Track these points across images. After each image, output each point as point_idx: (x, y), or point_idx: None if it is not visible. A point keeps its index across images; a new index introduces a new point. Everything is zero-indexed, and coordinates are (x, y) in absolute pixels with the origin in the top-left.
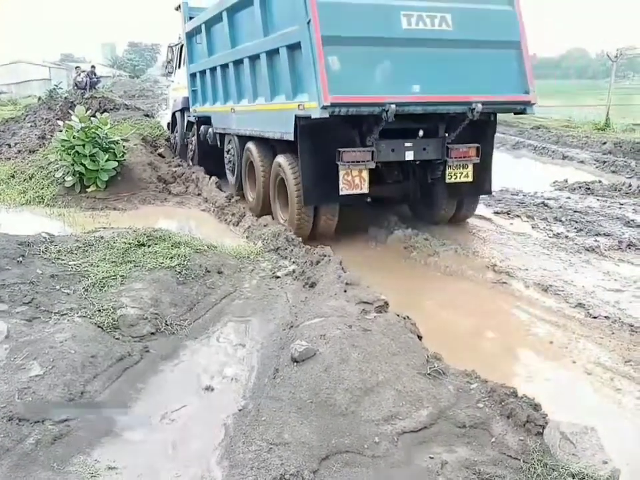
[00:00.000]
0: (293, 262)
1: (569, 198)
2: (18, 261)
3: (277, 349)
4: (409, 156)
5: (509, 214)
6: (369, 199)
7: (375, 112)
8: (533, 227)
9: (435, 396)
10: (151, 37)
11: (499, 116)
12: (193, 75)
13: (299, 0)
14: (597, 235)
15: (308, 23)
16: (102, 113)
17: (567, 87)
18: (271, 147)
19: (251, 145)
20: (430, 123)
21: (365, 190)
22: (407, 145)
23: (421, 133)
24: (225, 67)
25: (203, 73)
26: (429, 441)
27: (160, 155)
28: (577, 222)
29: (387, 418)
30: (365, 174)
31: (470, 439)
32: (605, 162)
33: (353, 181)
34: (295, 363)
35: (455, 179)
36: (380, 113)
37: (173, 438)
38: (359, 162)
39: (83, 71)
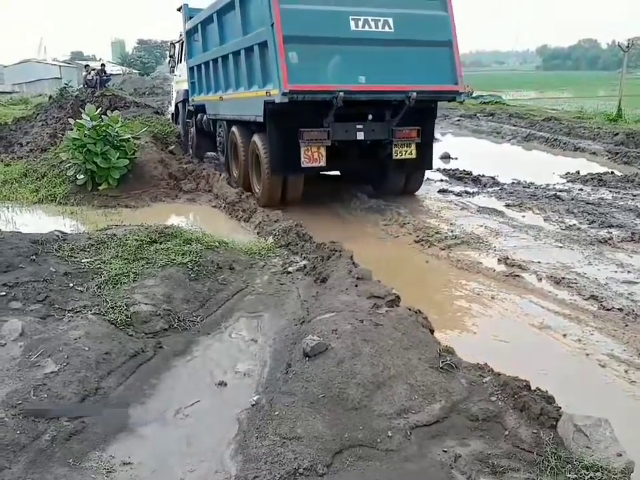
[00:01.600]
0: (304, 257)
1: (581, 190)
2: (31, 259)
3: (289, 344)
4: (360, 136)
5: (520, 206)
6: (338, 173)
7: (326, 98)
8: (545, 220)
9: (448, 389)
10: (160, 34)
11: (512, 108)
12: (191, 69)
13: (266, 6)
14: (609, 226)
15: (272, 25)
16: (112, 111)
17: (577, 78)
18: (249, 128)
19: (234, 128)
20: (377, 109)
21: (323, 164)
22: (358, 127)
23: (370, 117)
24: (215, 61)
25: (199, 66)
26: (441, 434)
27: (171, 152)
28: (589, 214)
29: (400, 412)
30: (323, 150)
31: (483, 432)
32: (617, 153)
33: (312, 155)
34: (307, 358)
35: (400, 156)
36: (331, 99)
37: (186, 433)
38: (317, 140)
39: (93, 69)
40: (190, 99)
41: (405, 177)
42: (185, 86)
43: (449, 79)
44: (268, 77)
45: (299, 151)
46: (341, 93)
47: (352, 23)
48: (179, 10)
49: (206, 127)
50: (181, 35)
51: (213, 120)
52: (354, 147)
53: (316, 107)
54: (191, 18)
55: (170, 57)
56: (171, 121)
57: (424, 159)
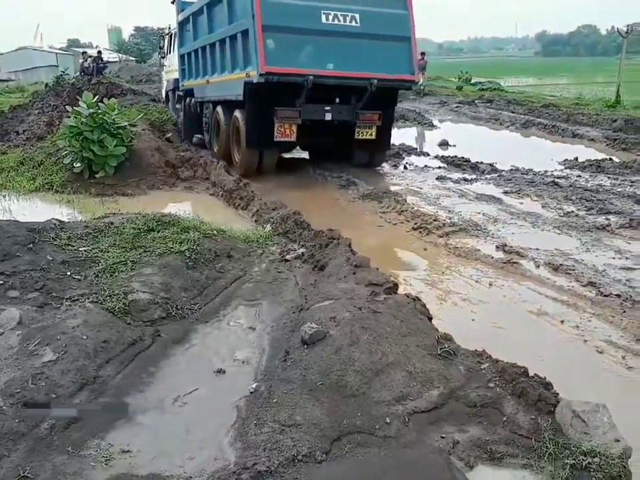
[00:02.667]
0: (302, 245)
1: (580, 176)
2: (28, 248)
3: (288, 331)
4: (328, 116)
5: (518, 193)
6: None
7: (298, 81)
8: (543, 206)
9: (446, 376)
10: (157, 22)
11: (510, 95)
12: (182, 57)
13: (248, 0)
14: (607, 213)
15: (253, 16)
16: (109, 99)
17: (576, 64)
18: (231, 107)
19: (219, 108)
20: (344, 93)
21: (294, 139)
22: (326, 108)
23: (337, 100)
24: (204, 48)
25: (189, 54)
26: (440, 420)
27: (168, 139)
28: (587, 200)
29: (398, 398)
30: (294, 128)
31: (481, 419)
32: (615, 139)
33: (285, 131)
34: (306, 346)
35: (362, 136)
36: (302, 82)
37: (185, 421)
38: (289, 118)
39: (90, 57)
40: (180, 85)
41: (368, 155)
42: (175, 75)
43: (406, 70)
44: (248, 60)
45: (273, 127)
46: (311, 77)
47: (323, 17)
48: (172, 2)
49: (193, 110)
50: (170, 27)
51: (200, 102)
52: (322, 127)
53: (289, 88)
54: (183, 10)
55: (160, 47)
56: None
57: (383, 140)
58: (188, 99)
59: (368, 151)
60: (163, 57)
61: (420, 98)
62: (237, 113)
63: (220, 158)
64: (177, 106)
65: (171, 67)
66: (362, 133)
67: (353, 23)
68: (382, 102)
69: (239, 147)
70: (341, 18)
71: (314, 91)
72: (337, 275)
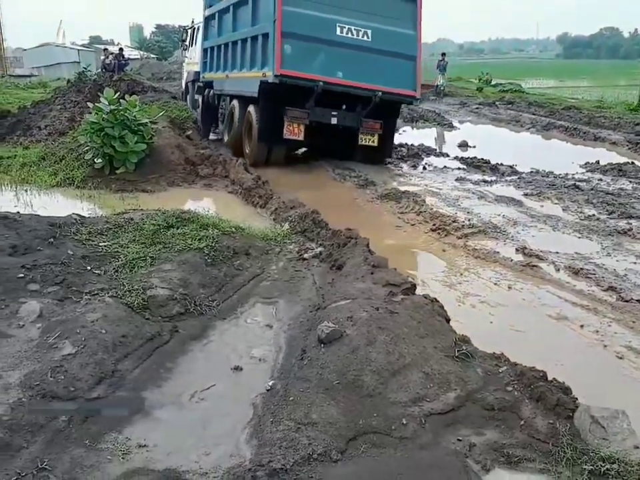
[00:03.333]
0: (320, 244)
1: (601, 180)
2: (49, 242)
3: (304, 330)
4: (334, 121)
5: (539, 196)
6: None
7: (309, 85)
8: (563, 209)
9: (463, 378)
10: (178, 19)
11: (531, 97)
12: (205, 50)
13: (272, 6)
14: (629, 217)
15: (274, 21)
16: (130, 95)
17: (598, 67)
18: (246, 102)
19: (234, 102)
20: (350, 101)
21: (301, 138)
22: (333, 113)
23: (343, 107)
24: (226, 45)
25: (212, 48)
26: (456, 423)
27: (188, 137)
28: (608, 204)
29: (415, 400)
30: (302, 127)
31: (498, 422)
32: (637, 143)
33: (293, 130)
34: (322, 345)
35: (364, 142)
36: (313, 87)
37: (202, 416)
38: (298, 118)
39: (112, 54)
40: (201, 76)
41: (369, 160)
42: (195, 68)
43: (409, 86)
44: (265, 61)
45: (283, 125)
46: (321, 83)
47: (338, 29)
48: None
49: (211, 101)
50: (193, 22)
51: (218, 94)
52: (328, 129)
53: (301, 91)
54: (210, 6)
55: (182, 40)
56: (180, 97)
57: (385, 148)
58: (207, 90)
59: (369, 156)
60: (185, 49)
61: (440, 99)
62: (251, 109)
63: (230, 147)
64: (196, 97)
65: (192, 59)
66: (365, 139)
67: (365, 38)
68: (385, 112)
69: (250, 140)
70: (354, 32)
71: (323, 96)
72: (355, 274)
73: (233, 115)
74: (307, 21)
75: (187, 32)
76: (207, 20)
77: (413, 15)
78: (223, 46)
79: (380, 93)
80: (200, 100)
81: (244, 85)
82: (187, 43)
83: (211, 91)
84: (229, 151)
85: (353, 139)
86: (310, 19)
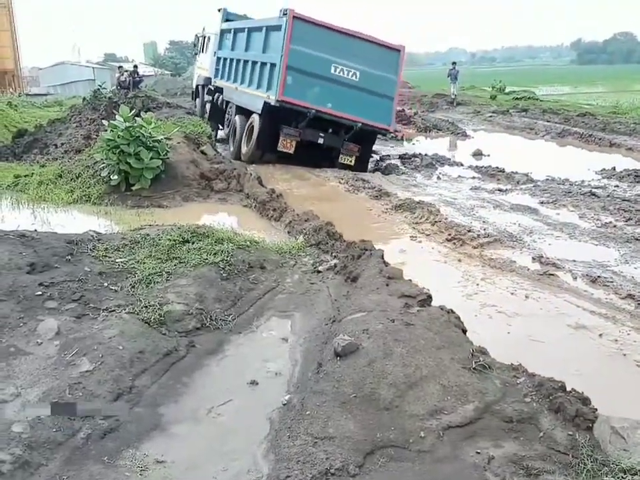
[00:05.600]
0: (334, 256)
1: (617, 186)
2: (67, 259)
3: (320, 343)
4: (321, 141)
5: (555, 203)
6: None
7: (303, 111)
8: (580, 217)
9: (481, 390)
10: (191, 36)
11: (545, 104)
12: (218, 58)
13: (282, 42)
14: None
15: (281, 56)
16: (145, 112)
17: (613, 72)
18: (249, 114)
19: (239, 111)
20: (335, 127)
21: (292, 151)
22: (320, 134)
23: (330, 130)
24: (238, 60)
25: (225, 59)
26: (475, 435)
27: (202, 152)
28: (625, 211)
29: (432, 412)
30: (294, 143)
31: (517, 434)
32: None
33: (286, 144)
34: (338, 358)
35: (343, 161)
36: (306, 112)
37: (219, 432)
38: (291, 135)
39: (126, 71)
40: (212, 81)
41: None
42: (205, 73)
43: (386, 121)
44: (270, 86)
45: (278, 138)
46: (313, 111)
47: (332, 68)
48: (218, 10)
49: (219, 104)
50: (204, 30)
51: (227, 101)
52: (314, 147)
53: (296, 114)
54: (227, 20)
55: (194, 45)
56: (191, 98)
57: (360, 166)
58: (217, 95)
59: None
60: (197, 54)
61: (453, 107)
62: (254, 119)
63: (235, 150)
64: (206, 98)
65: (203, 65)
66: (344, 159)
67: (354, 78)
68: (363, 138)
69: (249, 144)
70: (346, 72)
71: (314, 120)
72: (370, 286)
73: (237, 121)
74: (309, 59)
75: (199, 39)
76: (223, 32)
77: (396, 63)
78: (235, 60)
79: (360, 124)
80: (209, 102)
81: (250, 100)
82: (199, 48)
83: (220, 96)
84: (242, 164)
85: (332, 157)
86: (311, 57)
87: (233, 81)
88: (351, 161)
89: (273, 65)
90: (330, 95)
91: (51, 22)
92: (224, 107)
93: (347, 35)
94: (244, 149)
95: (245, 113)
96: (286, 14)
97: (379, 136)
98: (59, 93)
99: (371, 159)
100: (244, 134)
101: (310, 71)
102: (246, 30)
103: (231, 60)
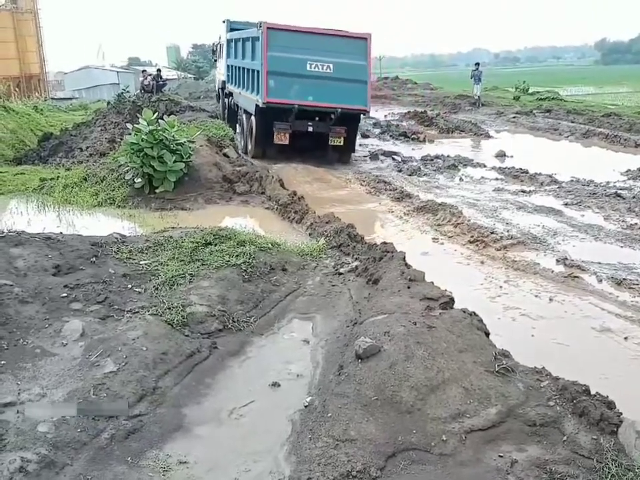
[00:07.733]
0: (356, 258)
1: None
2: (91, 261)
3: (341, 345)
4: (310, 128)
5: (579, 205)
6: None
7: (288, 107)
8: (605, 219)
9: (504, 394)
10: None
11: (569, 104)
12: (228, 66)
13: (261, 51)
14: None
15: (262, 64)
16: (169, 116)
17: (638, 72)
18: (249, 115)
19: (244, 113)
20: (320, 115)
21: (287, 142)
22: (309, 124)
23: (317, 119)
24: (239, 67)
25: (231, 66)
26: (497, 439)
27: (225, 155)
28: None
29: (455, 416)
30: (287, 135)
31: (540, 438)
32: None
33: (280, 137)
34: (360, 360)
35: (334, 143)
36: (290, 109)
37: (241, 433)
38: (283, 129)
39: (150, 75)
40: (227, 86)
41: (338, 155)
42: (222, 77)
43: (362, 103)
44: (258, 90)
45: (272, 134)
46: (297, 106)
47: (308, 65)
48: (223, 22)
49: (232, 107)
50: (220, 38)
51: (236, 105)
52: (306, 135)
53: (284, 111)
54: (231, 30)
55: (213, 52)
56: (216, 100)
57: (349, 146)
58: (230, 98)
59: (338, 152)
60: (216, 60)
61: (476, 109)
62: (251, 120)
63: (243, 146)
64: (225, 100)
65: (219, 69)
66: (333, 140)
67: (328, 70)
68: (347, 121)
69: (251, 142)
70: (320, 66)
71: (300, 113)
72: (391, 288)
73: (243, 122)
74: (286, 62)
75: (215, 47)
76: (229, 42)
77: (364, 50)
78: (237, 67)
79: (339, 110)
80: (226, 104)
81: (248, 103)
82: (217, 55)
83: (232, 100)
84: (263, 166)
85: (325, 142)
86: (288, 59)
87: (237, 86)
88: (340, 142)
89: (258, 72)
90: (309, 89)
91: (75, 26)
92: (235, 108)
93: (316, 34)
94: (249, 147)
95: (247, 114)
96: (261, 27)
97: (393, 136)
98: (83, 96)
99: (392, 161)
100: (248, 133)
101: (289, 72)
102: (241, 40)
103: (236, 67)
